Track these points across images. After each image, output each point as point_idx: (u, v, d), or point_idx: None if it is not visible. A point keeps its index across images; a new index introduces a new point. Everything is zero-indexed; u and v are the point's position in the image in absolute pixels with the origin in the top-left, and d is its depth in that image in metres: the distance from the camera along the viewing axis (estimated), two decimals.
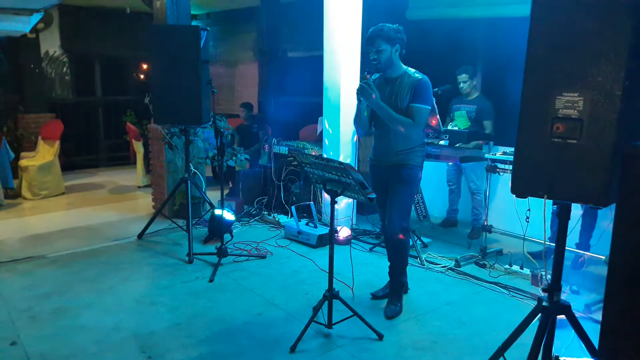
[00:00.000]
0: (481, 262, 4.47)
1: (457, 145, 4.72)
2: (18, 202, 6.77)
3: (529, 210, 3.47)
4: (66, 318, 3.47)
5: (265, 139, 6.17)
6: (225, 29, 9.77)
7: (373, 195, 3.06)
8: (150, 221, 5.22)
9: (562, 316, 2.33)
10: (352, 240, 5.02)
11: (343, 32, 5.17)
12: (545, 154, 2.12)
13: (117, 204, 6.81)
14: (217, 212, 4.74)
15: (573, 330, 2.35)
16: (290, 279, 4.21)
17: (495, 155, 4.40)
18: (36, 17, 6.57)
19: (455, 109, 5.29)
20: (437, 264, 4.50)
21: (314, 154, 5.30)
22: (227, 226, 4.83)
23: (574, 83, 2.03)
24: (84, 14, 8.93)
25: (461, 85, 5.14)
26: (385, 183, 3.58)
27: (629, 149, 1.76)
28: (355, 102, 3.52)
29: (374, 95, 3.32)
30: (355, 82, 5.22)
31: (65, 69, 9.14)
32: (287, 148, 5.74)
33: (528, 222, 3.58)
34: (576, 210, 3.79)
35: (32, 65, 8.52)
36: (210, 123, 4.68)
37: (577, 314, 2.39)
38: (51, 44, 8.86)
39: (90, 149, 9.65)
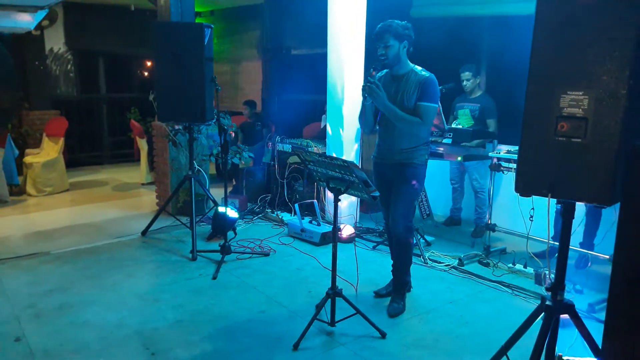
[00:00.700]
0: (484, 261, 4.46)
1: (462, 144, 4.71)
2: (22, 198, 6.79)
3: (532, 209, 3.47)
4: (70, 314, 3.49)
5: (269, 136, 6.17)
6: (229, 27, 9.77)
7: (376, 194, 3.06)
8: (153, 218, 5.23)
9: (566, 315, 2.32)
10: (355, 239, 5.02)
11: (347, 30, 5.16)
12: (549, 153, 2.12)
13: (120, 201, 6.82)
14: (221, 209, 4.74)
15: (576, 330, 2.34)
16: (293, 276, 4.22)
17: (499, 153, 4.39)
18: (41, 14, 6.59)
19: (459, 107, 5.28)
20: (440, 263, 4.50)
21: (317, 151, 5.30)
22: (230, 224, 4.84)
23: (578, 82, 2.03)
24: (88, 11, 8.95)
25: (464, 83, 5.13)
26: (389, 181, 3.57)
27: (634, 148, 1.75)
28: (360, 99, 3.51)
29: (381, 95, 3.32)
30: (360, 80, 5.23)
31: (69, 66, 9.16)
32: (290, 146, 5.74)
33: (532, 220, 3.59)
34: (580, 209, 3.79)
35: (36, 62, 8.54)
36: (214, 120, 4.69)
37: (580, 313, 2.38)
38: (56, 41, 8.88)
39: (94, 146, 9.68)
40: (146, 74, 9.98)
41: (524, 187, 2.25)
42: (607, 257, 3.83)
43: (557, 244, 2.35)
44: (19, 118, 8.37)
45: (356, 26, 5.18)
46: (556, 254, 2.35)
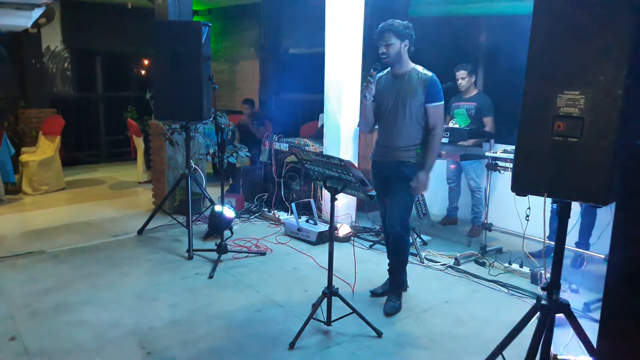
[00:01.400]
0: (481, 260, 4.47)
1: (458, 143, 4.72)
2: (19, 197, 6.77)
3: (529, 208, 3.47)
4: (66, 313, 3.48)
5: (266, 135, 6.16)
6: (226, 25, 9.76)
7: (373, 193, 3.06)
8: (150, 217, 5.23)
9: (561, 315, 2.33)
10: (353, 238, 5.02)
11: (345, 29, 5.15)
12: (545, 152, 2.12)
13: (117, 199, 6.81)
14: (217, 208, 4.74)
15: (572, 329, 2.35)
16: (290, 276, 4.22)
17: (495, 153, 4.40)
18: (38, 12, 6.56)
19: (455, 107, 5.28)
20: (436, 262, 4.50)
21: (313, 150, 5.30)
22: (227, 223, 4.83)
23: (575, 81, 2.03)
24: (85, 9, 8.93)
25: (459, 81, 5.15)
26: (387, 180, 3.58)
27: (630, 148, 1.75)
28: (359, 98, 3.53)
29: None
30: (358, 79, 5.23)
31: (66, 65, 9.14)
32: (287, 145, 5.74)
33: (528, 220, 3.59)
34: (576, 209, 3.80)
35: (33, 61, 8.51)
36: (211, 119, 4.68)
37: (576, 313, 2.39)
38: (52, 39, 8.85)
39: (91, 144, 9.65)
40: (143, 72, 9.95)
41: (520, 187, 2.26)
42: (603, 256, 3.84)
43: (553, 243, 2.35)
44: (15, 116, 8.35)
45: (354, 25, 5.18)
46: (552, 254, 2.36)
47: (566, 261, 3.84)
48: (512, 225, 4.33)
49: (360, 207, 5.71)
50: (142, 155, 7.68)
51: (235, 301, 3.71)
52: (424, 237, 5.00)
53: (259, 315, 3.51)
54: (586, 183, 2.05)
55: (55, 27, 8.80)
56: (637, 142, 1.83)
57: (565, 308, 2.31)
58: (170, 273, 4.22)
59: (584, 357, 2.18)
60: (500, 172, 4.37)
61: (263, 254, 4.68)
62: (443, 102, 3.48)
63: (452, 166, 5.40)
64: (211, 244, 4.66)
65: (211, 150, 6.23)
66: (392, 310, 3.54)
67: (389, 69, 3.56)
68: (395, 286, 3.67)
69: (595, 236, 4.17)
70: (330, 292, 3.22)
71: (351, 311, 3.25)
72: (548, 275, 2.35)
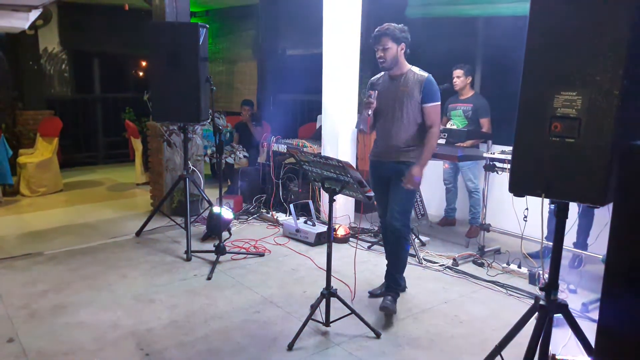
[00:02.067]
0: (479, 261, 4.48)
1: (456, 144, 4.72)
2: (16, 199, 6.76)
3: (527, 209, 3.48)
4: (64, 315, 3.47)
5: (264, 137, 6.16)
6: (224, 27, 9.75)
7: (371, 194, 3.07)
8: (148, 219, 5.22)
9: (559, 315, 2.33)
10: (351, 239, 5.03)
11: (343, 30, 5.16)
12: (543, 153, 2.12)
13: (115, 201, 6.80)
14: (216, 209, 4.74)
15: (570, 329, 2.35)
16: (288, 277, 4.22)
17: (493, 154, 4.40)
18: (35, 14, 6.56)
19: (451, 108, 5.29)
20: (435, 263, 4.50)
21: (312, 151, 5.30)
22: (225, 224, 4.83)
23: (572, 82, 2.04)
24: (82, 11, 8.91)
25: (454, 80, 5.16)
26: (386, 180, 3.59)
27: (627, 148, 1.76)
28: (356, 100, 3.56)
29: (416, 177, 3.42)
30: (356, 78, 5.24)
31: (64, 66, 9.12)
32: (285, 146, 5.74)
33: (526, 221, 3.60)
34: (574, 209, 3.80)
35: (30, 62, 8.50)
36: (208, 120, 4.68)
37: (574, 313, 2.40)
38: (50, 41, 8.83)
39: (88, 146, 9.64)
40: (141, 73, 9.94)
41: (518, 188, 2.26)
42: (601, 257, 3.85)
43: (551, 244, 2.36)
44: (12, 118, 8.33)
45: (352, 26, 5.19)
46: (550, 254, 2.36)
47: (564, 262, 3.86)
48: (510, 226, 4.35)
49: (359, 208, 5.71)
50: (140, 157, 7.67)
51: (233, 302, 3.71)
52: (422, 238, 5.00)
53: (258, 316, 3.51)
54: (583, 184, 2.06)
55: (52, 28, 8.78)
56: (634, 142, 1.84)
57: (564, 308, 2.31)
58: (169, 274, 4.22)
59: (582, 357, 2.19)
60: (498, 173, 4.38)
61: (261, 255, 4.68)
62: (440, 102, 3.52)
63: (446, 165, 5.41)
64: (209, 246, 4.66)
65: (209, 152, 6.24)
66: (386, 305, 3.46)
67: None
68: (392, 287, 3.64)
69: (593, 237, 4.18)
70: (328, 293, 3.22)
71: (350, 312, 3.25)
72: (546, 275, 2.35)
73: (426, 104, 3.44)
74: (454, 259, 4.48)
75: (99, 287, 3.95)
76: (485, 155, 4.47)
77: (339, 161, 2.97)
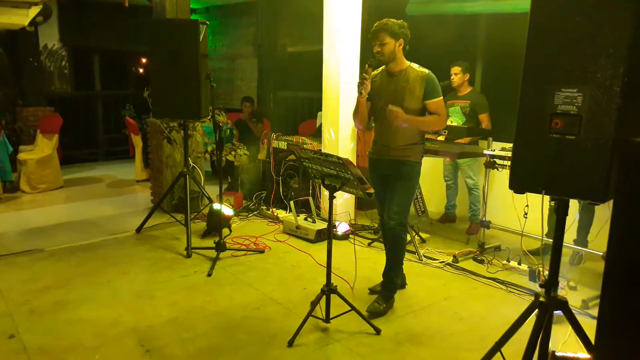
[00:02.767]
0: (479, 258, 4.48)
1: (455, 141, 4.72)
2: (17, 195, 6.76)
3: (527, 206, 3.47)
4: (64, 311, 3.48)
5: (264, 133, 6.16)
6: (224, 23, 9.74)
7: (371, 191, 3.06)
8: (148, 215, 5.23)
9: (559, 312, 2.33)
10: (351, 235, 5.03)
11: (343, 27, 5.15)
12: (543, 150, 2.12)
13: (115, 197, 6.81)
14: (216, 206, 4.74)
15: (570, 326, 2.36)
16: (289, 273, 4.22)
17: (493, 151, 4.40)
18: (35, 10, 6.55)
19: (449, 105, 5.28)
20: (435, 260, 4.51)
21: (312, 148, 5.30)
22: (225, 221, 4.83)
23: (573, 79, 2.03)
24: (83, 7, 8.90)
25: (452, 76, 5.16)
26: (384, 178, 3.58)
27: (628, 145, 1.76)
28: (356, 95, 3.52)
29: (400, 114, 3.36)
30: (355, 77, 5.22)
31: (64, 63, 9.11)
32: (286, 143, 5.74)
33: (526, 218, 3.59)
34: (574, 206, 3.80)
35: (30, 59, 8.49)
36: (209, 117, 4.68)
37: (574, 310, 2.40)
38: (50, 38, 8.82)
39: (89, 142, 9.63)
40: (141, 70, 9.93)
41: (518, 184, 2.26)
42: (601, 253, 3.85)
43: (551, 240, 2.36)
44: (12, 114, 8.33)
45: (352, 23, 5.18)
46: (550, 251, 2.36)
47: (564, 258, 3.86)
48: (510, 222, 4.35)
49: (359, 205, 5.71)
50: (141, 154, 7.68)
51: (233, 299, 3.72)
52: (423, 235, 5.00)
53: (258, 312, 3.52)
54: (584, 180, 2.05)
55: (52, 25, 8.76)
56: (634, 139, 1.84)
57: (563, 305, 2.32)
58: (169, 271, 4.23)
59: (582, 354, 2.19)
60: (498, 170, 4.38)
61: (262, 251, 4.68)
62: (442, 97, 3.49)
63: (447, 159, 5.39)
64: (210, 242, 4.67)
65: (209, 149, 6.24)
66: (374, 310, 3.44)
67: (383, 66, 3.56)
68: (386, 288, 3.61)
69: (594, 233, 4.18)
70: (329, 289, 3.23)
71: (350, 309, 3.26)
72: (546, 272, 2.35)
73: (431, 99, 3.42)
74: (454, 256, 4.48)
75: (99, 283, 3.95)
76: (485, 152, 4.46)
77: (339, 158, 2.97)
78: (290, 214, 5.25)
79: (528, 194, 2.30)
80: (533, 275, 4.04)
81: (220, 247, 4.42)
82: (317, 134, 5.99)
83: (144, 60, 9.81)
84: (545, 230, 4.21)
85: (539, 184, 2.15)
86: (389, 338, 3.20)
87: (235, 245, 4.77)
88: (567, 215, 2.28)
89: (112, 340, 3.12)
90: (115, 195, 6.98)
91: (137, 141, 7.72)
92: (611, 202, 1.94)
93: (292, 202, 5.21)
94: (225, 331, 3.25)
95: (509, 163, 4.02)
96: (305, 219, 5.20)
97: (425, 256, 4.57)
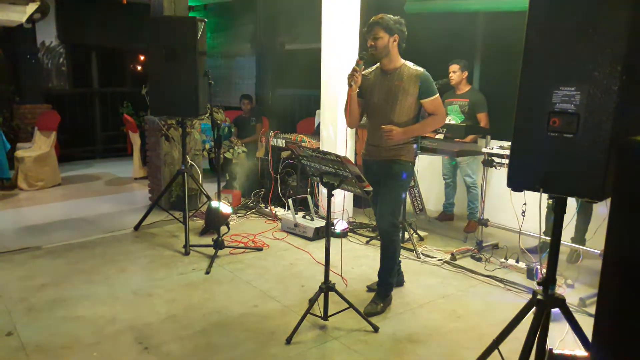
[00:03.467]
0: (477, 256, 4.49)
1: (454, 139, 4.72)
2: (14, 193, 6.75)
3: (525, 204, 3.48)
4: (62, 309, 3.48)
5: (263, 131, 6.16)
6: (222, 21, 9.72)
7: (369, 189, 3.06)
8: (146, 213, 5.22)
9: (557, 309, 2.34)
10: (349, 233, 5.03)
11: (341, 25, 5.14)
12: (541, 148, 2.12)
13: (113, 195, 6.80)
14: (214, 204, 4.74)
15: (567, 324, 2.36)
16: (287, 271, 4.22)
17: (491, 149, 4.40)
18: (32, 7, 6.53)
19: (448, 104, 5.28)
20: (433, 257, 4.51)
21: (310, 146, 5.30)
22: (223, 218, 4.83)
23: (571, 77, 2.03)
24: (80, 4, 8.88)
25: (450, 74, 5.16)
26: (377, 178, 3.53)
27: (626, 143, 1.76)
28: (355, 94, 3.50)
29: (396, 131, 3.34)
30: None
31: (61, 60, 9.09)
32: (284, 141, 5.73)
33: (524, 216, 3.60)
34: (571, 204, 3.80)
35: (28, 56, 8.47)
36: (207, 115, 4.67)
37: (571, 308, 2.40)
38: (47, 35, 8.81)
39: (86, 140, 9.62)
40: (139, 67, 9.92)
41: (516, 183, 2.26)
42: (598, 252, 3.86)
43: (549, 238, 2.36)
44: (10, 112, 8.31)
45: (351, 21, 5.17)
46: (548, 249, 2.37)
47: (562, 256, 3.87)
48: (508, 221, 4.35)
49: (357, 203, 5.71)
50: (138, 151, 7.67)
51: (231, 296, 3.72)
52: (421, 233, 5.01)
53: (256, 310, 3.52)
54: (582, 179, 2.06)
55: (50, 22, 8.74)
56: (632, 138, 1.84)
57: (561, 303, 2.32)
58: (167, 269, 4.22)
59: (579, 352, 2.20)
60: (496, 168, 4.38)
61: (260, 249, 4.68)
62: (438, 95, 3.45)
63: (447, 157, 5.40)
64: (208, 240, 4.66)
65: (207, 146, 6.23)
66: (371, 310, 3.44)
67: (378, 64, 3.52)
68: (381, 287, 3.59)
69: (591, 231, 4.19)
70: (327, 287, 3.23)
71: (348, 306, 3.26)
72: (544, 270, 2.36)
73: (426, 98, 3.37)
74: (452, 254, 4.49)
75: (97, 281, 3.95)
76: (483, 150, 4.47)
77: (337, 156, 2.96)
78: (289, 211, 5.25)
79: (526, 192, 2.30)
80: (531, 273, 4.05)
81: (218, 244, 4.42)
82: (315, 132, 5.99)
83: (142, 58, 9.79)
84: (543, 228, 4.24)
85: (536, 182, 2.16)
86: (387, 336, 3.20)
87: (234, 243, 4.77)
88: (564, 213, 2.29)
89: (110, 338, 3.12)
90: (113, 192, 6.97)
91: (135, 139, 7.71)
92: (609, 200, 1.94)
93: (290, 200, 5.21)
94: (223, 329, 3.25)
95: (507, 161, 4.03)
96: (304, 217, 5.20)
97: (423, 254, 4.57)
